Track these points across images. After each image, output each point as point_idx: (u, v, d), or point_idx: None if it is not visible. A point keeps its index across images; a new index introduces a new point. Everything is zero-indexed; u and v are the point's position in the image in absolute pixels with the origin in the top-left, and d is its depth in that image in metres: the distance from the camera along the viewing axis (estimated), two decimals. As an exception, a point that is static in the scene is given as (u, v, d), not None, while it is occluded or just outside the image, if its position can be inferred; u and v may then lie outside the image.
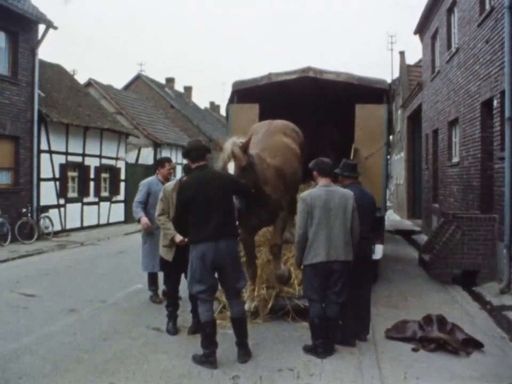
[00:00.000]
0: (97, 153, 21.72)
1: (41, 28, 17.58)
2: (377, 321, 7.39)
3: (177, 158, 29.70)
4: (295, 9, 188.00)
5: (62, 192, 19.23)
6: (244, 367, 5.74)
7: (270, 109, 10.17)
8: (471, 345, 6.32)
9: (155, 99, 40.48)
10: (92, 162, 21.31)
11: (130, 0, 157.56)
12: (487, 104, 11.13)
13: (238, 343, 5.94)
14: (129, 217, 22.60)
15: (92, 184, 21.41)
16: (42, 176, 17.91)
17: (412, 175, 24.33)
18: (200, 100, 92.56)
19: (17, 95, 16.59)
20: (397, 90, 28.12)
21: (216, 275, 5.93)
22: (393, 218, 25.01)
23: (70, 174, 20.11)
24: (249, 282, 7.23)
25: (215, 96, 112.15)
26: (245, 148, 6.47)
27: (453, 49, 14.42)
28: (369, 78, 9.99)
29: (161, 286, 8.45)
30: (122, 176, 24.02)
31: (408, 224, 21.78)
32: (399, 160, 29.38)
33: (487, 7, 11.22)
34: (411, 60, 29.47)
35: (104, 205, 22.49)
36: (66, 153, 19.49)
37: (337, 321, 6.29)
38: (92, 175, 21.38)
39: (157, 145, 28.56)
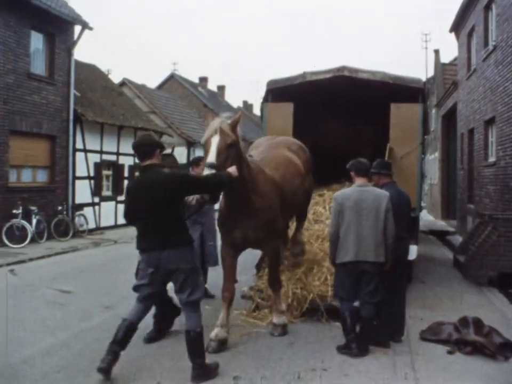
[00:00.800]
0: (131, 152, 21.68)
1: (77, 28, 17.87)
2: (412, 322, 7.29)
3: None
4: (330, 8, 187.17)
5: (96, 191, 19.50)
6: (275, 365, 5.74)
7: (304, 108, 10.15)
8: (509, 349, 6.18)
9: (188, 98, 40.71)
10: (126, 161, 21.54)
11: (163, 0, 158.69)
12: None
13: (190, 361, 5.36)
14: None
15: (125, 182, 21.62)
16: (77, 174, 18.20)
17: (446, 175, 24.01)
18: (233, 99, 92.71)
19: (53, 95, 16.88)
20: (431, 89, 27.77)
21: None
22: (426, 218, 24.68)
23: (104, 172, 20.38)
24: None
25: (248, 95, 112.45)
26: (233, 125, 5.77)
27: (490, 47, 14.18)
28: (405, 77, 9.91)
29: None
30: (156, 175, 24.11)
31: (442, 224, 21.50)
32: (433, 160, 28.99)
33: (527, 3, 11.01)
34: (446, 58, 29.05)
35: (138, 203, 22.58)
36: (101, 152, 19.75)
37: (372, 321, 6.24)
38: (125, 174, 21.61)
39: (190, 144, 28.75)
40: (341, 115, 11.52)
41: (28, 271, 11.38)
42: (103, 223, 19.93)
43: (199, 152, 28.53)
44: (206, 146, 5.67)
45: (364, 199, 6.10)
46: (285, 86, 10.32)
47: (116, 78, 30.77)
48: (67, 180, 17.52)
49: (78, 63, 19.78)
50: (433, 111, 27.62)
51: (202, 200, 5.78)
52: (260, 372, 5.58)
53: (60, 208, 16.75)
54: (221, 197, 6.17)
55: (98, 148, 19.60)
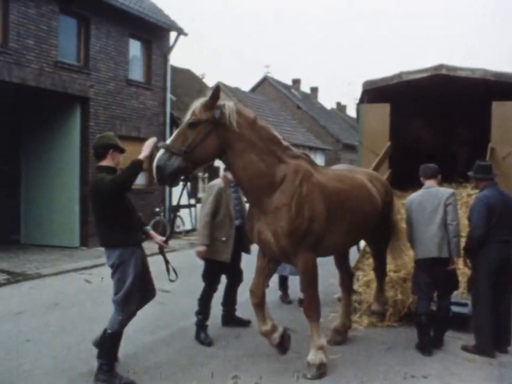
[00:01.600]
0: (226, 154, 22.14)
1: (173, 35, 18.39)
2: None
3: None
4: (428, 6, 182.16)
5: (192, 193, 19.89)
6: (373, 370, 5.53)
7: (401, 109, 9.91)
8: None
9: (281, 100, 40.81)
10: (221, 163, 21.57)
11: (256, 2, 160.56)
12: None
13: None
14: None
15: (221, 184, 21.89)
16: (174, 177, 18.54)
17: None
18: (327, 100, 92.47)
19: (151, 99, 17.42)
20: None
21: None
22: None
23: (201, 174, 20.74)
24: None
25: (341, 96, 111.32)
26: (205, 104, 5.09)
27: None
28: (509, 73, 9.43)
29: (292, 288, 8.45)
30: (250, 177, 24.29)
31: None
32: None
33: None
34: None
35: (233, 205, 22.85)
36: (197, 155, 20.04)
37: (446, 313, 6.40)
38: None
39: (283, 146, 28.71)
40: (436, 115, 11.16)
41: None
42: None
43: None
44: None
45: (427, 199, 6.43)
46: (381, 87, 10.13)
47: (210, 82, 31.38)
48: (164, 182, 17.89)
49: (174, 68, 20.31)
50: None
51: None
52: (358, 377, 5.45)
53: (157, 209, 17.23)
54: None
55: (194, 151, 19.92)
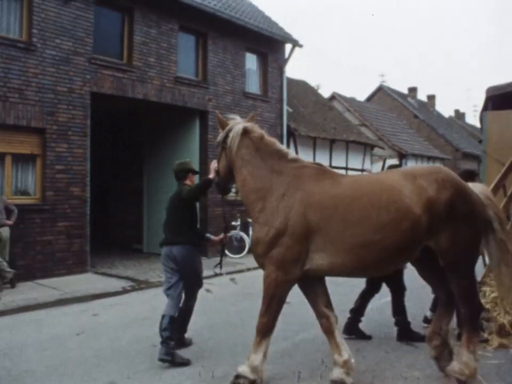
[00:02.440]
0: (343, 165, 21.93)
1: (288, 47, 18.40)
2: None
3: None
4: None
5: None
6: None
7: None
8: None
9: (398, 110, 39.86)
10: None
11: (370, 12, 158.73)
12: None
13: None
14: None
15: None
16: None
17: None
18: (444, 108, 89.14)
19: (268, 111, 17.53)
20: None
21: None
22: None
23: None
24: None
25: (460, 103, 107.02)
26: (221, 128, 5.78)
27: None
28: None
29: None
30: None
31: None
32: None
33: None
34: None
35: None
36: (313, 166, 19.94)
37: None
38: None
39: (402, 156, 27.98)
40: None
41: (247, 280, 11.74)
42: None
43: (410, 164, 27.72)
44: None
45: None
46: (507, 92, 9.49)
47: (325, 93, 31.22)
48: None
49: (289, 80, 20.36)
50: None
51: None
52: (227, 373, 5.49)
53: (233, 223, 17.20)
54: None
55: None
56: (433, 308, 7.30)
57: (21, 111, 11.02)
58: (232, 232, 15.38)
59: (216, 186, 5.95)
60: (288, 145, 18.31)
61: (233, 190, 6.11)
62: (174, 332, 6.15)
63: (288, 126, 18.23)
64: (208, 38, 15.42)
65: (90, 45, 12.31)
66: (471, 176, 7.04)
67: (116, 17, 13.36)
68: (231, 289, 10.83)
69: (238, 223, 15.62)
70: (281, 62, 18.29)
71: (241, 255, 15.19)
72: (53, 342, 7.05)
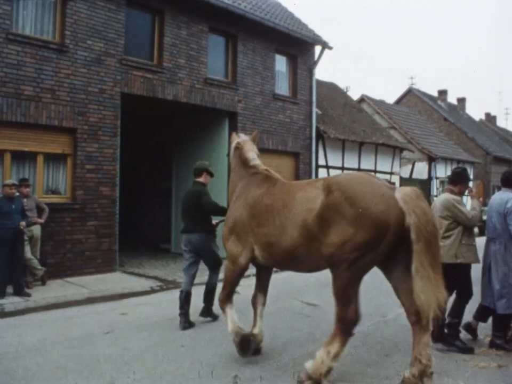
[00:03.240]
0: (372, 167, 21.76)
1: (317, 49, 18.37)
2: None
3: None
4: None
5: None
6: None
7: None
8: None
9: (428, 112, 39.49)
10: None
11: (400, 15, 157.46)
12: None
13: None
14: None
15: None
16: (319, 190, 18.48)
17: None
18: (475, 111, 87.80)
19: (297, 113, 17.49)
20: None
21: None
22: None
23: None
24: None
25: (491, 106, 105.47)
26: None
27: None
28: None
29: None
30: (397, 191, 23.55)
31: None
32: None
33: None
34: None
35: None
36: (343, 168, 19.90)
37: None
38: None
39: (431, 160, 27.68)
40: None
41: (276, 283, 11.69)
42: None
43: (440, 167, 27.40)
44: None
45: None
46: None
47: (354, 95, 31.05)
48: (310, 195, 17.86)
49: (318, 82, 20.29)
50: None
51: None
52: (226, 373, 5.62)
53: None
54: None
55: (339, 164, 19.78)
56: (478, 316, 7.10)
57: (53, 111, 11.17)
58: None
59: None
60: (317, 147, 18.25)
61: None
62: (188, 305, 7.84)
63: (317, 128, 18.15)
64: (238, 40, 15.45)
65: (121, 46, 12.42)
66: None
67: (147, 19, 13.46)
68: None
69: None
70: (311, 64, 18.22)
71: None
72: (83, 340, 7.10)
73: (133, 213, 18.15)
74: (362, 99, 29.61)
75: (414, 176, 27.08)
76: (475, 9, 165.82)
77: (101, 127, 12.00)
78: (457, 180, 7.06)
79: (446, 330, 6.74)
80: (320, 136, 18.37)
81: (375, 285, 10.86)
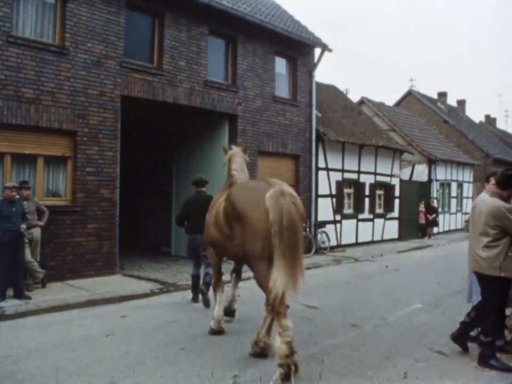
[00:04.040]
0: (372, 170, 21.77)
1: (317, 51, 18.35)
2: None
3: (452, 175, 28.58)
4: None
5: (338, 208, 19.65)
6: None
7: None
8: None
9: (427, 115, 39.48)
10: (367, 179, 21.44)
11: (400, 17, 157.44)
12: None
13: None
14: (403, 235, 22.34)
15: (366, 200, 21.54)
16: (319, 192, 18.57)
17: None
18: (474, 113, 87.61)
19: (297, 116, 17.50)
20: None
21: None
22: None
23: (346, 190, 20.49)
24: None
25: (490, 109, 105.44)
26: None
27: None
28: None
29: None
30: (397, 193, 23.62)
31: None
32: None
33: None
34: None
35: (379, 222, 22.36)
36: (342, 171, 19.91)
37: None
38: (366, 192, 21.51)
39: (431, 162, 27.64)
40: None
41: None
42: (344, 241, 20.02)
43: (440, 170, 27.42)
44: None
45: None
46: None
47: (354, 97, 31.07)
48: (310, 197, 17.94)
49: (318, 84, 20.28)
50: None
51: None
52: (226, 373, 5.70)
53: (303, 225, 17.13)
54: None
55: (339, 167, 19.78)
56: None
57: (53, 113, 11.17)
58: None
59: None
60: (317, 150, 18.25)
61: None
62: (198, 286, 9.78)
63: (317, 131, 18.14)
64: (237, 42, 15.45)
65: (121, 48, 12.43)
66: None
67: (147, 22, 13.46)
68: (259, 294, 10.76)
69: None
70: (311, 67, 18.24)
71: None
72: (83, 342, 7.10)
73: (133, 215, 18.15)
74: (362, 101, 29.59)
75: (414, 178, 27.04)
76: (475, 10, 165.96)
77: (101, 130, 12.00)
78: (507, 185, 6.28)
79: (479, 349, 6.33)
80: (320, 138, 18.36)
81: (375, 288, 10.92)
